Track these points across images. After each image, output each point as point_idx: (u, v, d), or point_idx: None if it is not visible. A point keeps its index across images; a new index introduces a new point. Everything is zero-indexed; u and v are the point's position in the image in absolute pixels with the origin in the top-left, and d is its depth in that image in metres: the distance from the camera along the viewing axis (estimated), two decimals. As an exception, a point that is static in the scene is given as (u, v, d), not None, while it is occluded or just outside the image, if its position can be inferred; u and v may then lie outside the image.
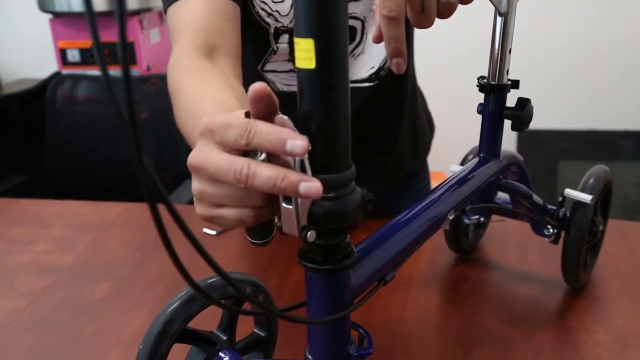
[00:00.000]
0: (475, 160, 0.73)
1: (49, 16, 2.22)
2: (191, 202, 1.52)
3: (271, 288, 0.59)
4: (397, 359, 0.69)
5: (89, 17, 0.25)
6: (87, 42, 2.22)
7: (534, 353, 0.69)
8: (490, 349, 0.70)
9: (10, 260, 0.94)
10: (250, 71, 0.95)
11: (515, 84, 0.71)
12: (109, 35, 2.11)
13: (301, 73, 0.38)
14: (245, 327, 0.60)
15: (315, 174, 0.39)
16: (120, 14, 0.25)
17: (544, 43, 2.22)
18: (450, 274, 0.88)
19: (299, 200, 0.39)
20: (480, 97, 0.72)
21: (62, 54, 2.22)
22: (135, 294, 0.83)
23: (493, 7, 0.65)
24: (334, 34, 0.37)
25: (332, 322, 0.47)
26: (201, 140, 0.42)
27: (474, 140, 0.75)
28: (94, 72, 2.11)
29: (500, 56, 0.68)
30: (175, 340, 0.50)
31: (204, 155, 0.41)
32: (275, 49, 0.89)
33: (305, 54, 0.37)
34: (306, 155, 0.38)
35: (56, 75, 1.99)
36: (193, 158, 0.42)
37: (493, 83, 0.70)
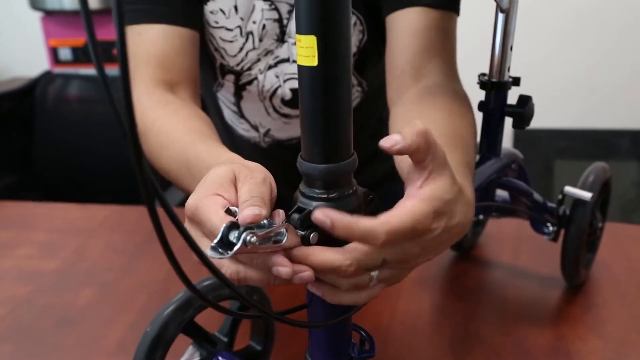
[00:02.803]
0: (477, 158, 0.71)
1: (40, 14, 2.19)
2: (182, 204, 1.51)
3: (270, 291, 0.57)
4: (386, 368, 0.67)
5: (85, 18, 0.24)
6: (79, 40, 2.20)
7: (525, 362, 0.67)
8: (482, 356, 0.68)
9: (-8, 265, 0.92)
10: (206, 90, 0.94)
11: (516, 81, 0.69)
12: (101, 33, 2.09)
13: (303, 70, 0.37)
14: (246, 335, 0.60)
15: (318, 163, 0.39)
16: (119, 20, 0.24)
17: (541, 43, 2.20)
18: (448, 274, 0.86)
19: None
20: (481, 95, 0.71)
21: (54, 52, 2.20)
22: (118, 301, 0.81)
23: (495, 3, 0.64)
24: (336, 31, 0.36)
25: (333, 325, 0.46)
26: (189, 224, 0.43)
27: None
28: (86, 71, 2.09)
29: (501, 53, 0.67)
30: (181, 331, 0.50)
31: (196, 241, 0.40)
32: (221, 83, 0.87)
33: (308, 51, 0.36)
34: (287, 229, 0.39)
35: (47, 74, 1.97)
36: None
37: (494, 80, 0.68)
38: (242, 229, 0.37)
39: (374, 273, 0.40)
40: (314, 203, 0.40)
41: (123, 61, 0.24)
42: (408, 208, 0.38)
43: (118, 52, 0.24)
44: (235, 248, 0.36)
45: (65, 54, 2.16)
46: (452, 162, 0.48)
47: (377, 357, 0.51)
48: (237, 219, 0.38)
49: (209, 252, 0.36)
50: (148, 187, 0.27)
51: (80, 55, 2.17)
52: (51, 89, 1.91)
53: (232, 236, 0.37)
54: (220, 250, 0.36)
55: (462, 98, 0.65)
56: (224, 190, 0.42)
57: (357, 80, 0.86)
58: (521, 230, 0.95)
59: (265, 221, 0.39)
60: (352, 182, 0.42)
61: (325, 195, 0.40)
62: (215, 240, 0.37)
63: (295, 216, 0.40)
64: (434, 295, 0.81)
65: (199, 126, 0.62)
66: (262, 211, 0.38)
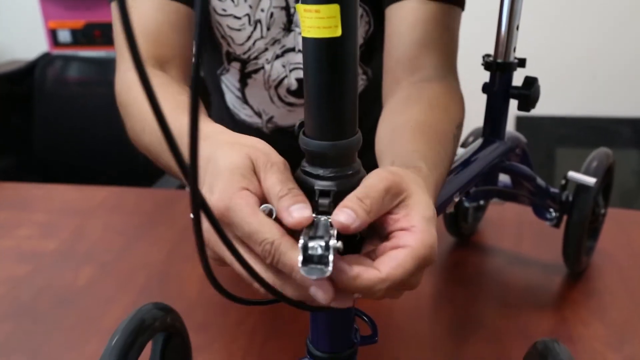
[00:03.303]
0: (480, 141, 0.71)
1: (39, -5, 2.17)
2: (181, 187, 1.49)
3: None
4: (388, 351, 0.67)
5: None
6: (78, 22, 2.18)
7: (528, 346, 0.67)
8: (484, 342, 0.68)
9: (-9, 246, 0.91)
10: (209, 73, 0.92)
11: (522, 63, 0.68)
12: (101, 15, 2.07)
13: (320, 44, 0.35)
14: None
15: (326, 140, 0.38)
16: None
17: (542, 30, 2.18)
18: (447, 260, 0.86)
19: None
20: (484, 77, 0.70)
21: (53, 34, 2.18)
22: (117, 282, 0.81)
23: None
24: None
25: (336, 309, 0.45)
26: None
27: (476, 121, 0.73)
28: (86, 53, 2.07)
29: (507, 33, 0.66)
30: None
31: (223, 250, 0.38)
32: (227, 68, 0.85)
33: (329, 21, 0.34)
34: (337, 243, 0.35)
35: (45, 55, 1.95)
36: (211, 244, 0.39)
37: (499, 61, 0.67)
38: (322, 236, 0.34)
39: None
40: (320, 182, 0.39)
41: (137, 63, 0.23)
42: (403, 258, 0.36)
43: (129, 48, 0.23)
44: (331, 259, 0.33)
45: (64, 36, 2.14)
46: (415, 155, 0.47)
47: (379, 342, 0.50)
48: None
49: (304, 273, 0.34)
50: (196, 197, 0.26)
51: (79, 37, 2.15)
52: (50, 71, 1.90)
53: (314, 245, 0.34)
54: (319, 267, 0.34)
55: (451, 92, 0.63)
56: (249, 182, 0.38)
57: (363, 69, 0.85)
58: (523, 217, 0.94)
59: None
60: (357, 160, 0.41)
61: (332, 174, 0.39)
62: (301, 258, 0.34)
63: (325, 202, 0.38)
64: (435, 281, 0.81)
65: (186, 100, 0.58)
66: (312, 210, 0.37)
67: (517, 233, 0.92)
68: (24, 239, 0.92)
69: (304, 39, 0.36)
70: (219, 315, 0.73)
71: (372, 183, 0.37)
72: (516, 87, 0.68)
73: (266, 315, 0.73)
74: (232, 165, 0.39)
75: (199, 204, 0.27)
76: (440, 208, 0.56)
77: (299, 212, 0.36)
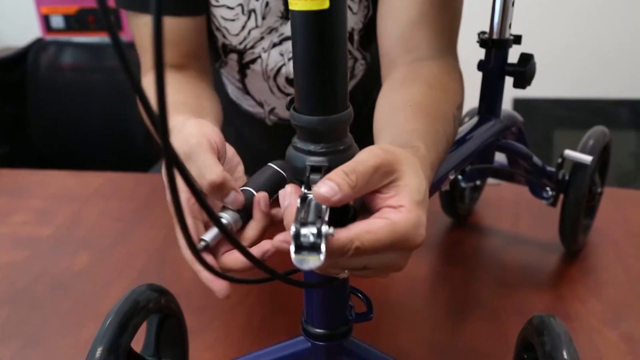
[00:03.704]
0: (476, 119, 0.70)
1: (31, -19, 2.15)
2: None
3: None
4: (385, 329, 0.67)
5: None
6: (71, 7, 2.15)
7: (524, 323, 0.67)
8: (481, 320, 0.68)
9: (-13, 232, 0.91)
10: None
11: (517, 39, 0.68)
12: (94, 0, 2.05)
13: (309, 16, 0.35)
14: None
15: (317, 115, 0.38)
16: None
17: (539, 10, 2.17)
18: (444, 240, 0.86)
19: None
20: (480, 54, 0.69)
21: (46, 20, 2.16)
22: (114, 267, 0.81)
23: None
24: None
25: (331, 286, 0.45)
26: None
27: (471, 102, 0.72)
28: (80, 38, 2.05)
29: (502, 9, 0.65)
30: None
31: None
32: (225, 61, 0.85)
33: None
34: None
35: (38, 41, 1.93)
36: None
37: (495, 38, 0.67)
38: (314, 222, 0.34)
39: (347, 271, 0.39)
40: (311, 158, 0.39)
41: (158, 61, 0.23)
42: (378, 226, 0.36)
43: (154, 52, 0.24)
44: (324, 249, 0.33)
45: (57, 21, 2.12)
46: (414, 135, 0.47)
47: (375, 319, 0.50)
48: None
49: (297, 263, 0.33)
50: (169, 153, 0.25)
51: (72, 23, 2.13)
52: (44, 57, 1.88)
53: (306, 232, 0.33)
54: (312, 255, 0.33)
55: (449, 71, 0.62)
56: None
57: (362, 54, 0.84)
58: (520, 197, 0.94)
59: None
60: (349, 136, 0.40)
61: (323, 150, 0.39)
62: (293, 247, 0.33)
63: (317, 178, 0.38)
64: (432, 260, 0.81)
65: (181, 99, 0.62)
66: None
67: (514, 213, 0.92)
68: (19, 225, 0.92)
69: (292, 11, 0.36)
70: (216, 297, 0.73)
71: (363, 159, 0.37)
72: (512, 65, 0.67)
73: (264, 295, 0.73)
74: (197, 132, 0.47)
75: (172, 159, 0.26)
76: (435, 185, 0.56)
77: (326, 186, 0.35)
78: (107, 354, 0.43)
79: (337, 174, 0.36)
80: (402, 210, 0.36)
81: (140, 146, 1.77)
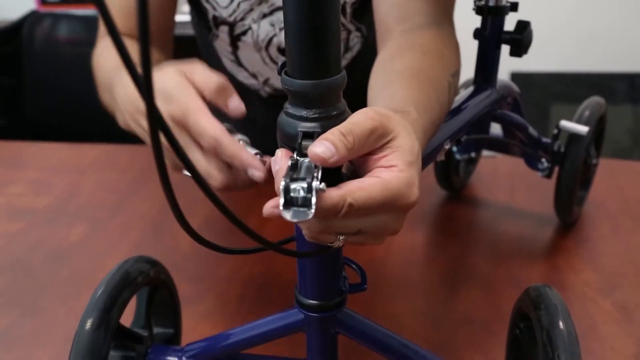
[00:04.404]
0: (471, 88, 0.70)
1: (24, -48, 2.11)
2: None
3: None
4: (380, 301, 0.68)
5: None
6: (65, -21, 2.12)
7: (519, 293, 0.68)
8: (477, 290, 0.69)
9: (-17, 203, 0.91)
10: (202, 42, 0.93)
11: (514, 7, 0.67)
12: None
13: None
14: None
15: (310, 79, 0.37)
16: None
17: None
18: (439, 213, 0.86)
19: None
20: (476, 22, 0.69)
21: (40, -8, 2.13)
22: (110, 237, 0.81)
23: None
24: None
25: (324, 257, 0.44)
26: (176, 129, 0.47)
27: (467, 73, 0.72)
28: (76, 11, 2.02)
29: None
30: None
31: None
32: (216, 34, 0.84)
33: None
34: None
35: (33, 14, 1.91)
36: None
37: (491, 5, 0.66)
38: (304, 177, 0.33)
39: (343, 237, 0.38)
40: (303, 124, 0.38)
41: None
42: (370, 183, 0.36)
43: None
44: (314, 202, 0.32)
45: (51, -7, 2.09)
46: (406, 101, 0.47)
47: (370, 290, 0.50)
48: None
49: (288, 217, 0.33)
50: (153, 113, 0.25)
51: (68, -5, 2.10)
52: (39, 30, 1.85)
53: (296, 187, 0.33)
54: (301, 210, 0.33)
55: (444, 39, 0.61)
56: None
57: (356, 26, 0.83)
58: (515, 169, 0.94)
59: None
60: (342, 101, 0.40)
61: (315, 115, 0.38)
62: (282, 201, 0.33)
63: (309, 143, 0.36)
64: (427, 232, 0.81)
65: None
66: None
67: (509, 185, 0.92)
68: (16, 196, 0.92)
69: None
70: (212, 267, 0.73)
71: (359, 120, 0.36)
72: (508, 32, 0.67)
73: (260, 266, 0.73)
74: (175, 82, 0.47)
75: (156, 120, 0.26)
76: (430, 155, 0.55)
77: (321, 146, 0.35)
78: (96, 326, 0.43)
79: (334, 134, 0.35)
80: (394, 169, 0.36)
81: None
